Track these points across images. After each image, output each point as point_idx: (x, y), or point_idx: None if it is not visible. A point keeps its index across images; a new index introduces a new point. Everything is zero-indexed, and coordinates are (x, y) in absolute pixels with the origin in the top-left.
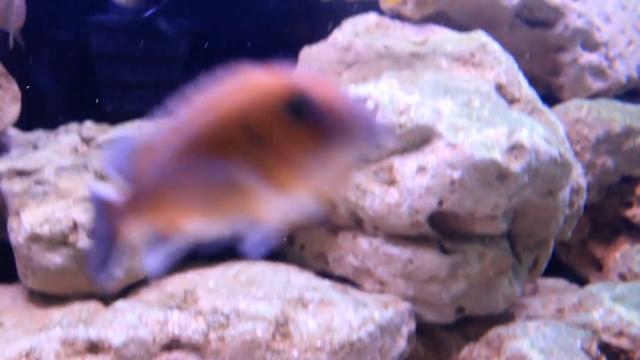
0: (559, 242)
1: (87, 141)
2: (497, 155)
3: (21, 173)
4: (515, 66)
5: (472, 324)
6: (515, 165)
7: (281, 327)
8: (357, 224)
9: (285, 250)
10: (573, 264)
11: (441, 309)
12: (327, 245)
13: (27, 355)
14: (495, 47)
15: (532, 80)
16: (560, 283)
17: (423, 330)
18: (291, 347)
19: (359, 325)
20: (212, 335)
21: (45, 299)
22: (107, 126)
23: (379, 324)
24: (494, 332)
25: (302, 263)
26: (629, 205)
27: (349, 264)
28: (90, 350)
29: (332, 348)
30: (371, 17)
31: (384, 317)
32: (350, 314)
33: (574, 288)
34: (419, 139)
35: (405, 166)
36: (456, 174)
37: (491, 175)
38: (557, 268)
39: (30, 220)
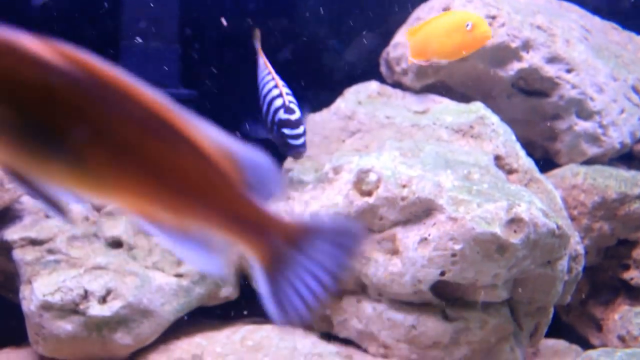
0: (558, 304)
1: (98, 209)
2: (497, 229)
3: (34, 242)
4: (513, 137)
5: None
6: (514, 239)
7: None
8: (362, 289)
9: None
10: (573, 323)
11: None
12: (332, 308)
13: None
14: (493, 119)
15: (530, 145)
16: (561, 344)
17: None
18: None
19: None
20: None
21: None
22: None
23: None
24: None
25: (307, 324)
26: (627, 267)
27: (353, 327)
28: None
29: None
30: (373, 85)
31: None
32: None
33: (574, 349)
34: (421, 210)
35: (408, 237)
36: (457, 247)
37: (491, 247)
38: (558, 327)
39: (42, 289)
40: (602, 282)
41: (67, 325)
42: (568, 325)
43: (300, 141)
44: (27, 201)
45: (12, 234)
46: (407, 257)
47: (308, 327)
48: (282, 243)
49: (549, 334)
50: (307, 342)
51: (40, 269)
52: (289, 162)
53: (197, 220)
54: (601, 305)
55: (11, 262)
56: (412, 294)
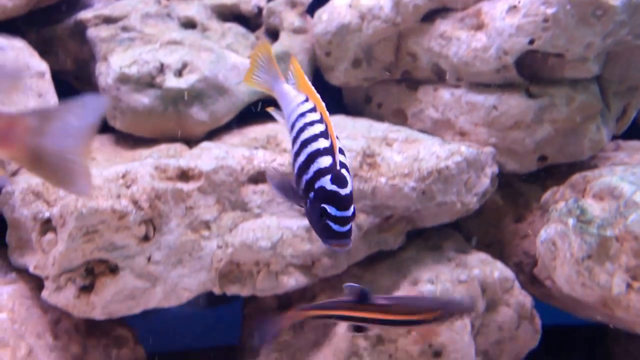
0: None
1: None
2: None
3: (108, 20)
4: None
5: (553, 176)
6: (615, 0)
7: (368, 158)
8: (439, 76)
9: (362, 108)
10: None
11: (523, 158)
12: (406, 101)
13: (124, 176)
14: None
15: None
16: None
17: (503, 183)
18: (379, 175)
19: (447, 156)
20: None
21: (132, 142)
22: None
23: (465, 156)
24: (578, 176)
25: (379, 120)
26: None
27: (429, 117)
28: (181, 177)
29: (420, 175)
30: None
31: (471, 152)
32: (437, 148)
33: None
34: None
35: (495, 8)
36: (550, 10)
37: (588, 10)
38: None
39: (118, 62)
40: None
41: (144, 99)
42: None
43: (345, 228)
44: None
45: (86, 13)
46: (494, 29)
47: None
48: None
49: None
50: (384, 125)
51: (116, 46)
52: None
53: None
54: None
55: (85, 46)
56: (495, 71)
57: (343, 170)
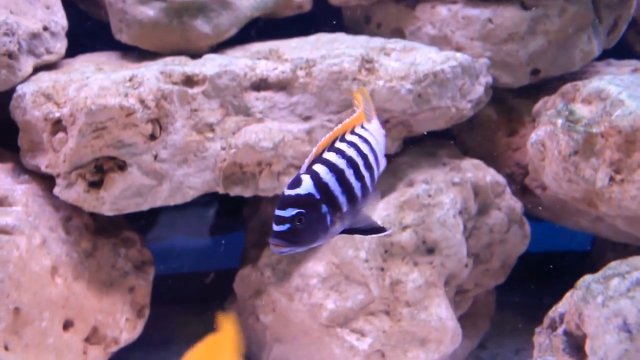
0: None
1: None
2: None
3: None
4: None
5: (545, 92)
6: None
7: (366, 64)
8: None
9: (362, 28)
10: None
11: (517, 70)
12: (404, 19)
13: (131, 79)
14: None
15: None
16: (633, 63)
17: (497, 98)
18: (377, 79)
19: (442, 60)
20: (300, 72)
21: (138, 55)
22: None
23: (461, 62)
24: (568, 85)
25: None
26: None
27: (426, 34)
28: (186, 83)
29: (417, 77)
30: None
31: (466, 58)
32: (433, 54)
33: None
34: None
35: None
36: None
37: None
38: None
39: None
40: None
41: (149, 11)
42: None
43: (279, 227)
44: None
45: None
46: None
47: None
48: None
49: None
50: (382, 39)
51: None
52: None
53: None
54: None
55: None
56: None
57: (305, 176)
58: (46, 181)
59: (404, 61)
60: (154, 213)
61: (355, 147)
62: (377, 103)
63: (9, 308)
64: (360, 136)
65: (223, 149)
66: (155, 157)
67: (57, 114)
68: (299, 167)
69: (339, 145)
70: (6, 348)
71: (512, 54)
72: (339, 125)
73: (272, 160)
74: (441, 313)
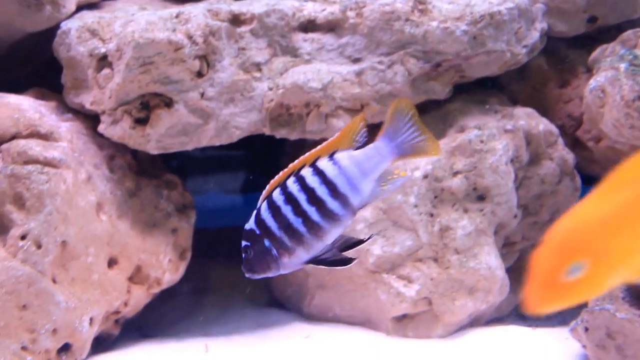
0: None
1: None
2: None
3: None
4: None
5: (600, 41)
6: None
7: (420, 4)
8: None
9: None
10: None
11: (573, 17)
12: None
13: (177, 15)
14: None
15: None
16: None
17: (549, 48)
18: (430, 20)
19: (499, 2)
20: (350, 13)
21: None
22: None
23: (518, 4)
24: (629, 32)
25: None
26: None
27: None
28: (233, 22)
29: (473, 18)
30: None
31: (523, 1)
32: None
33: None
34: None
35: None
36: None
37: None
38: None
39: None
40: None
41: None
42: None
43: (243, 255)
44: None
45: None
46: None
47: None
48: None
49: None
50: None
51: None
52: None
53: None
54: None
55: None
56: None
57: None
58: (89, 120)
59: (459, 2)
60: (192, 165)
61: (301, 182)
62: (430, 44)
63: (57, 240)
64: (315, 169)
65: (270, 89)
66: (202, 94)
67: (103, 50)
68: (347, 109)
69: (287, 180)
70: (54, 281)
71: (569, 0)
72: (302, 157)
73: (320, 102)
74: (490, 262)
